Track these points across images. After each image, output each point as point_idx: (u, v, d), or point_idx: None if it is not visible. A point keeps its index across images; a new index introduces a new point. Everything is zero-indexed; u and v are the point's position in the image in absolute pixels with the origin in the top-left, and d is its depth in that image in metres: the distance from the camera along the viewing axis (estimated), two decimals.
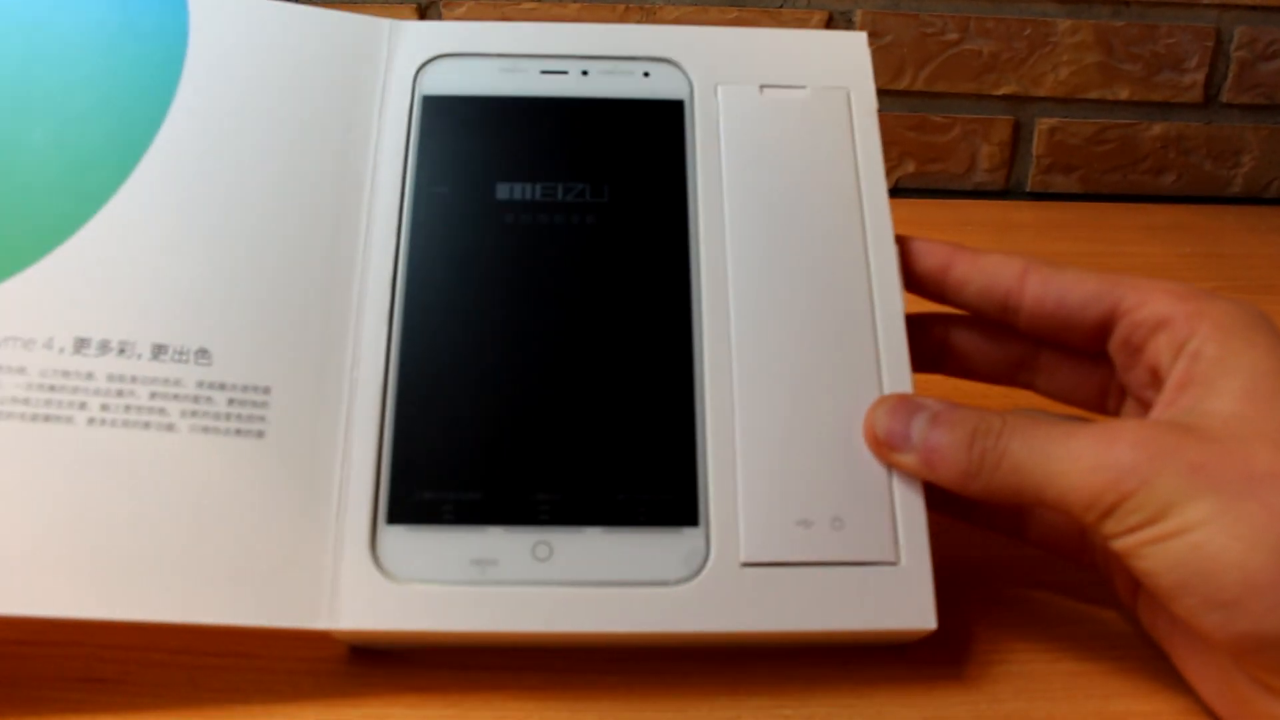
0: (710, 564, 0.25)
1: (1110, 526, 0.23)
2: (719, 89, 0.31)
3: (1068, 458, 0.24)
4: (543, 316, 0.28)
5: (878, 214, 0.29)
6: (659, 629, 0.25)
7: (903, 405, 0.27)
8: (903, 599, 0.25)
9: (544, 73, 0.30)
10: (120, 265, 0.27)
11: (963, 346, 0.31)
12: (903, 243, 0.30)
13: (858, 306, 0.28)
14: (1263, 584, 0.21)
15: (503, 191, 0.29)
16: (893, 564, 0.26)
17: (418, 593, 0.25)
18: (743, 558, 0.25)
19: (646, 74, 0.31)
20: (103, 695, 0.26)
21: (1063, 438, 0.24)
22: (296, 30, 0.30)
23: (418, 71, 0.30)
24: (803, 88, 0.31)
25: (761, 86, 0.31)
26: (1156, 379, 0.26)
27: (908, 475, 0.27)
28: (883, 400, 0.27)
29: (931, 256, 0.30)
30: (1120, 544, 0.23)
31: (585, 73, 0.31)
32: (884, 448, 0.27)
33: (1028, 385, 0.31)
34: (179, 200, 0.28)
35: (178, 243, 0.27)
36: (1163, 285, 0.27)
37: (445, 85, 0.30)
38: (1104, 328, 0.28)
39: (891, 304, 0.28)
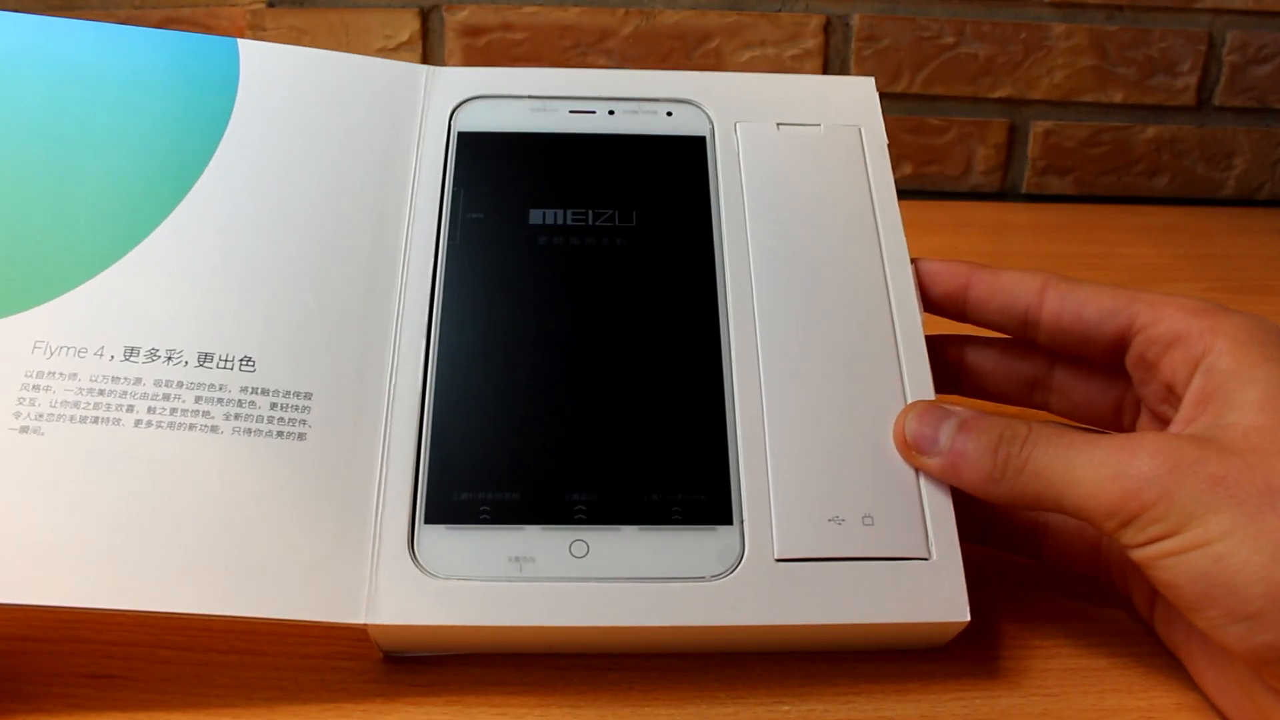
0: (745, 560, 0.26)
1: (1130, 536, 0.23)
2: (738, 126, 0.33)
3: (1089, 465, 0.24)
4: (576, 328, 0.29)
5: (893, 236, 0.31)
6: (697, 622, 0.25)
7: (931, 411, 0.27)
8: (935, 592, 0.26)
9: (572, 112, 0.33)
10: (170, 282, 0.28)
11: (978, 366, 0.32)
12: (920, 265, 0.31)
13: (878, 319, 0.30)
14: None
15: (535, 217, 0.31)
16: (924, 559, 0.26)
17: (456, 588, 0.25)
18: (777, 554, 0.26)
19: (669, 113, 0.33)
20: (109, 691, 0.26)
21: (1086, 446, 0.24)
22: (339, 74, 0.32)
23: (453, 111, 0.33)
24: (817, 125, 0.33)
25: (778, 124, 0.33)
26: (1173, 394, 0.27)
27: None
28: (912, 405, 0.28)
29: (951, 278, 0.30)
30: (1140, 554, 0.24)
31: (611, 112, 0.33)
32: (912, 451, 0.27)
33: (1043, 405, 0.32)
34: (227, 223, 0.30)
35: (225, 261, 0.29)
36: (1177, 301, 0.27)
37: (479, 123, 0.33)
38: (1120, 343, 0.28)
39: (910, 317, 0.30)
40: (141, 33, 0.32)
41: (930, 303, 0.31)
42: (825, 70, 0.61)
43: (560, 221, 0.30)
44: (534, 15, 0.60)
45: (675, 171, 0.32)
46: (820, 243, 0.31)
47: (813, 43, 0.61)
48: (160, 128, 0.30)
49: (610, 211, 0.31)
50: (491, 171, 0.32)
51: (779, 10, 0.60)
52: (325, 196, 0.30)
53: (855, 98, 0.34)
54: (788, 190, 0.32)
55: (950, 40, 0.60)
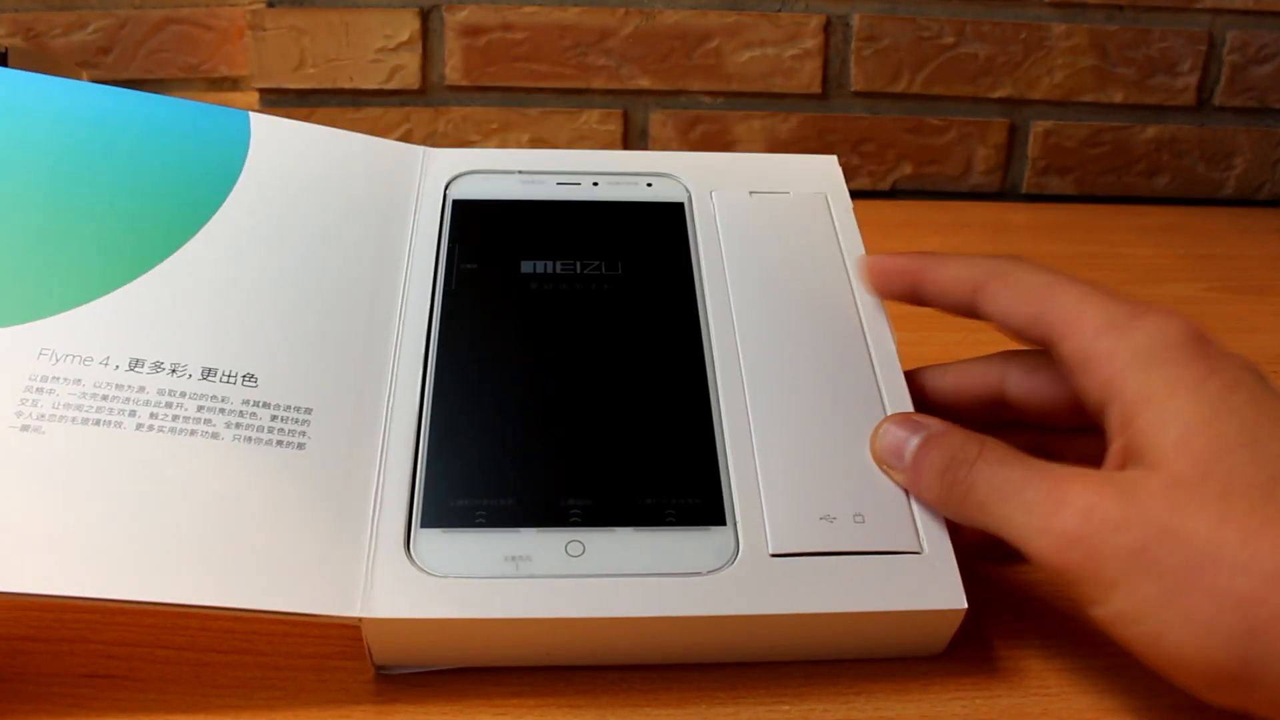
0: (740, 555, 0.26)
1: (1067, 589, 0.24)
2: (713, 193, 0.36)
3: (1021, 509, 0.24)
4: (568, 350, 0.30)
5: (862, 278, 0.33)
6: (694, 613, 0.25)
7: (903, 424, 0.27)
8: (931, 582, 0.26)
9: (560, 184, 0.36)
10: (176, 304, 0.30)
11: (937, 394, 0.31)
12: (872, 261, 0.32)
13: (854, 347, 0.31)
14: (1229, 674, 0.21)
15: (527, 267, 0.33)
16: (916, 552, 0.27)
17: (451, 585, 0.25)
18: (771, 549, 0.26)
19: (649, 184, 0.36)
20: (110, 691, 0.26)
21: (1020, 485, 0.24)
22: (342, 148, 0.35)
23: (448, 184, 0.35)
24: (786, 193, 0.36)
25: (750, 192, 0.36)
26: (1095, 411, 0.26)
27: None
28: (890, 417, 0.28)
29: (900, 278, 0.31)
30: (1089, 613, 0.23)
31: (596, 183, 0.36)
32: (881, 462, 0.28)
33: (1015, 419, 0.30)
34: (234, 258, 0.31)
35: (231, 289, 0.31)
36: (1088, 314, 0.25)
37: (472, 192, 0.35)
38: (1048, 348, 0.27)
39: (884, 343, 0.31)
40: (162, 100, 0.35)
41: (886, 293, 0.31)
42: (825, 70, 0.61)
43: (550, 270, 0.33)
44: (534, 15, 0.60)
45: (657, 231, 0.34)
46: (796, 284, 0.33)
47: (813, 43, 0.61)
48: (177, 174, 0.33)
49: (597, 262, 0.33)
50: (484, 231, 0.34)
51: (779, 10, 0.60)
52: (326, 243, 0.32)
53: (819, 172, 0.37)
54: (763, 245, 0.34)
55: (950, 40, 0.60)
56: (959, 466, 0.25)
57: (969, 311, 0.29)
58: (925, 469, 0.26)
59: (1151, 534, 0.22)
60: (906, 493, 0.28)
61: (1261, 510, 0.21)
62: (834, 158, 0.37)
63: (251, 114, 0.35)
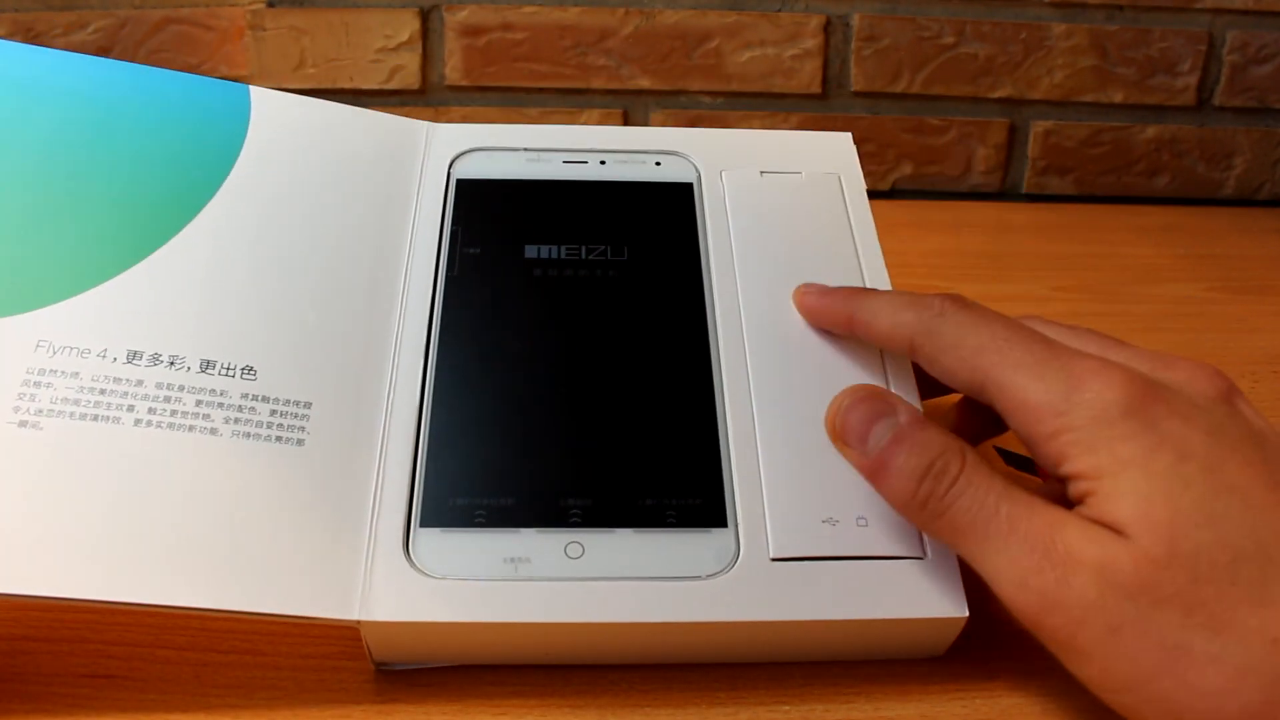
0: (741, 559, 0.26)
1: (1040, 639, 0.23)
2: (723, 174, 0.35)
3: (1002, 553, 0.23)
4: (571, 344, 0.30)
5: (875, 267, 0.32)
6: (694, 618, 0.25)
7: (872, 402, 0.26)
8: (932, 589, 0.26)
9: (566, 162, 0.35)
10: (174, 293, 0.29)
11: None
12: (803, 297, 0.31)
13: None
14: None
15: (530, 252, 0.32)
16: (919, 558, 0.26)
17: (451, 587, 0.25)
18: (773, 553, 0.26)
19: (658, 163, 0.35)
20: (109, 691, 0.26)
21: (1005, 525, 0.23)
22: (344, 124, 0.35)
23: (452, 161, 0.35)
24: (798, 173, 0.35)
25: (761, 172, 0.35)
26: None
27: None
28: (855, 389, 0.26)
29: (830, 320, 0.30)
30: (1063, 664, 0.23)
31: (603, 162, 0.35)
32: (837, 438, 0.26)
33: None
34: (230, 244, 0.31)
35: (228, 278, 0.30)
36: (1026, 393, 0.24)
37: (477, 171, 0.35)
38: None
39: None
40: (160, 73, 0.34)
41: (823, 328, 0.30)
42: (825, 70, 0.61)
43: (555, 255, 0.32)
44: (534, 15, 0.60)
45: (664, 214, 0.34)
46: (806, 273, 0.32)
47: (813, 43, 0.61)
48: (173, 155, 0.32)
49: (603, 247, 0.32)
50: (488, 213, 0.33)
51: (779, 10, 0.60)
52: (327, 226, 0.32)
53: (833, 150, 0.36)
54: (773, 228, 0.33)
55: (950, 40, 0.60)
56: (938, 479, 0.24)
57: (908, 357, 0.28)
58: (896, 469, 0.24)
59: (1127, 618, 0.22)
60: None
61: (1227, 595, 0.21)
62: (848, 135, 0.36)
63: (252, 88, 0.34)
